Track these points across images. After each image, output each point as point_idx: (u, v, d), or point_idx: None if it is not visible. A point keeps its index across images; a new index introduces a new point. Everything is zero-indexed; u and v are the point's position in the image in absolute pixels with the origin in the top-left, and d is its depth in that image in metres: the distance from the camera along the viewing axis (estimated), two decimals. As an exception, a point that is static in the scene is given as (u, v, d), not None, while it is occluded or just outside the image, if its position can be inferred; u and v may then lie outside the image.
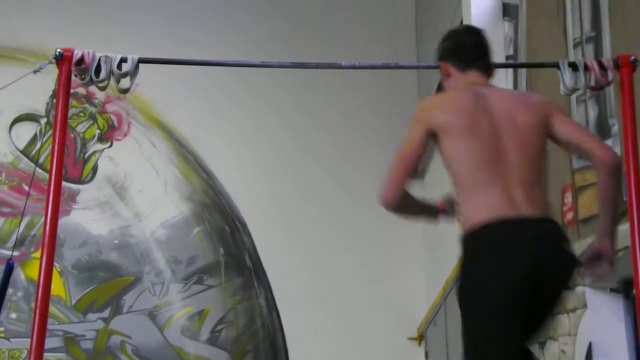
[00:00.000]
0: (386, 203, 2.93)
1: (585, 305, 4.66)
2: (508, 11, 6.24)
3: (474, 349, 2.76)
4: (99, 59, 3.58)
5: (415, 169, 2.97)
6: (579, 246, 4.68)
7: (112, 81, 3.64)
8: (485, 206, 2.81)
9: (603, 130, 4.49)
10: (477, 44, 3.22)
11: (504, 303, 2.71)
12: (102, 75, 3.58)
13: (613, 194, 2.97)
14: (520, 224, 2.78)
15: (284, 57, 7.52)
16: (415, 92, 9.33)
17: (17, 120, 9.21)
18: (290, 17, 9.71)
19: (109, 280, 8.93)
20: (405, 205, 2.99)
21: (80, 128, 9.31)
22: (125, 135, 9.35)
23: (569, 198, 4.90)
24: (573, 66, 3.67)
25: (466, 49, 3.19)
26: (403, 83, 9.31)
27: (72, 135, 9.15)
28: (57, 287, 8.64)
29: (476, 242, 2.80)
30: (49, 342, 6.45)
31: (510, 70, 6.18)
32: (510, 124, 2.94)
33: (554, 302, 2.90)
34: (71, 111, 8.93)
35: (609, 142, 4.39)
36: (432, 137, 2.98)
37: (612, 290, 4.59)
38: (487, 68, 3.21)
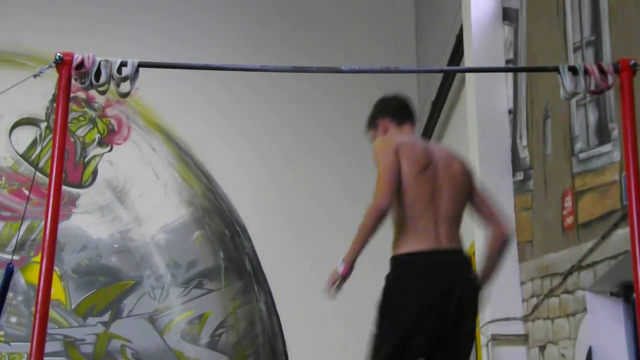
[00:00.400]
0: (383, 207, 3.43)
1: (585, 309, 4.65)
2: (508, 15, 6.24)
3: (383, 345, 3.52)
4: (99, 63, 3.57)
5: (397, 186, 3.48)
6: (580, 250, 4.67)
7: (112, 85, 3.64)
8: (416, 237, 3.47)
9: (603, 134, 4.48)
10: (409, 104, 3.89)
11: (422, 312, 3.40)
12: (102, 79, 3.57)
13: (500, 258, 3.67)
14: (440, 255, 3.46)
15: (284, 58, 7.51)
16: (415, 93, 9.32)
17: (17, 125, 9.22)
18: (290, 18, 9.71)
19: (109, 285, 8.92)
20: (384, 220, 3.46)
21: (80, 132, 9.31)
22: (125, 139, 9.35)
23: (568, 202, 4.89)
24: (573, 70, 3.66)
25: (401, 107, 3.86)
26: (403, 84, 9.30)
27: (72, 140, 9.15)
28: (57, 291, 8.64)
29: (406, 265, 3.48)
30: (49, 346, 6.42)
31: (510, 75, 6.17)
32: (447, 172, 3.58)
33: (465, 321, 3.48)
34: (71, 115, 8.93)
35: (608, 146, 4.38)
36: None
37: (612, 294, 4.59)
38: (414, 125, 3.86)
